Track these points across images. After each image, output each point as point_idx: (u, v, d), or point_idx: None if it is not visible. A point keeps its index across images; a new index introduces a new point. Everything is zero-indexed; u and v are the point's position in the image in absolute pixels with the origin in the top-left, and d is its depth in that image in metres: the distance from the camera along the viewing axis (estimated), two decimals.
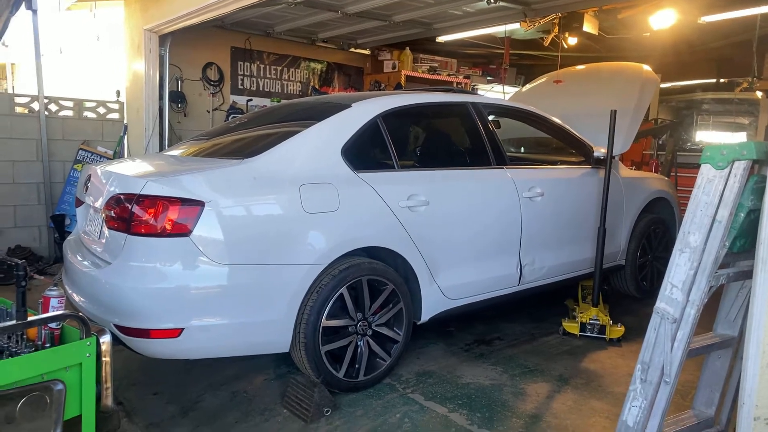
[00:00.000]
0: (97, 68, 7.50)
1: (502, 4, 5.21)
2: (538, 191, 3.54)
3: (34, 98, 5.37)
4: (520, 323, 3.99)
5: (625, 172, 4.38)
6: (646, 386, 1.87)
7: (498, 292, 3.46)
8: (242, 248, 2.50)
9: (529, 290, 3.65)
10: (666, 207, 4.68)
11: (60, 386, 1.73)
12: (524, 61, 8.90)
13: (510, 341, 3.67)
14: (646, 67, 4.71)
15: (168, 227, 2.39)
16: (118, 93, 5.91)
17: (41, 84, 5.35)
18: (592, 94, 4.74)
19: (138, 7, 5.48)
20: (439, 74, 7.55)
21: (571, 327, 3.74)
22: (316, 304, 2.66)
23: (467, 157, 3.68)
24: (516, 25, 6.18)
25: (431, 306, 3.14)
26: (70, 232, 3.42)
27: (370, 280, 2.84)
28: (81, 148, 5.59)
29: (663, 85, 8.24)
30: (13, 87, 9.93)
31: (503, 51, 7.90)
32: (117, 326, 2.43)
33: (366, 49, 7.60)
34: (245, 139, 3.30)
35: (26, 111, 5.37)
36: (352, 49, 7.53)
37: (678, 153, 7.31)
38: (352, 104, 3.07)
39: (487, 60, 8.76)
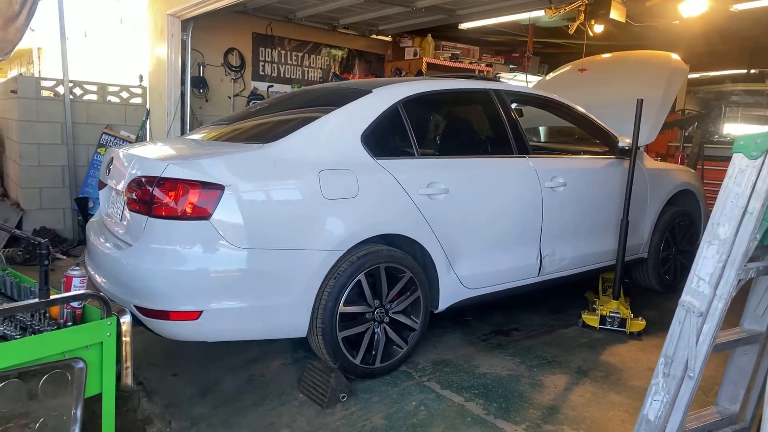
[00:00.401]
0: (120, 52, 7.55)
1: None
2: (560, 181, 3.49)
3: (59, 82, 5.44)
4: (538, 314, 3.95)
5: (650, 163, 4.28)
6: (668, 380, 1.83)
7: (517, 283, 3.43)
8: (261, 232, 2.50)
9: (548, 281, 3.60)
10: (692, 200, 4.58)
11: (81, 364, 1.75)
12: (548, 50, 8.74)
13: (528, 332, 3.64)
14: (675, 56, 4.59)
15: (188, 210, 2.40)
16: (141, 77, 5.95)
17: (66, 68, 5.41)
18: (618, 83, 4.63)
19: None
20: (461, 62, 7.46)
21: (591, 319, 3.69)
22: (334, 290, 2.66)
23: (488, 145, 3.63)
24: (540, 12, 6.07)
25: (449, 295, 3.12)
26: (93, 215, 3.46)
27: (388, 267, 2.83)
28: (104, 132, 5.66)
29: (691, 76, 8.05)
30: (39, 71, 10.08)
31: (527, 39, 7.76)
32: (137, 307, 2.45)
33: (387, 35, 7.54)
34: (265, 123, 3.30)
35: (52, 95, 5.45)
36: (374, 36, 7.47)
37: (705, 145, 7.14)
38: (373, 90, 3.04)
39: (510, 48, 8.63)
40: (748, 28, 7.29)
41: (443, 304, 3.12)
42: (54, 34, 5.73)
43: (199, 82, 6.11)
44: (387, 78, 6.44)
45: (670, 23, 6.86)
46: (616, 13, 6.06)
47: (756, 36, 7.60)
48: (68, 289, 1.89)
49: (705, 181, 5.24)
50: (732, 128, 8.24)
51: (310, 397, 2.70)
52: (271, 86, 6.67)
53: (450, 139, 3.74)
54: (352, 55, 7.40)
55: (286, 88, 6.63)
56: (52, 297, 1.75)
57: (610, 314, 3.64)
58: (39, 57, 10.23)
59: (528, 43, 7.76)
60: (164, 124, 5.67)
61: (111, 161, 3.04)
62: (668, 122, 5.69)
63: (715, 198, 1.80)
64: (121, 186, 2.72)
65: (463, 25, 6.98)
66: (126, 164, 2.78)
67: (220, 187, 2.42)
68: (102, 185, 3.23)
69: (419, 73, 6.88)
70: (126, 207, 2.64)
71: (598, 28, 6.72)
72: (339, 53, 7.27)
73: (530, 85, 6.82)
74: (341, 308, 2.69)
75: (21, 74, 9.08)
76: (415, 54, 7.17)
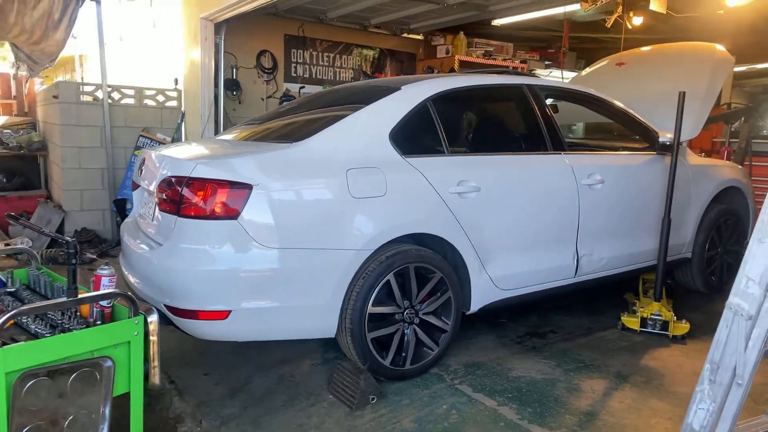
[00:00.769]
0: (155, 55, 7.73)
1: None
2: (597, 178, 3.36)
3: (98, 87, 5.59)
4: (575, 316, 3.83)
5: (693, 159, 4.10)
6: (715, 388, 1.72)
7: (552, 284, 3.32)
8: (289, 232, 2.48)
9: (586, 282, 3.48)
10: (739, 197, 4.37)
11: (109, 363, 1.77)
12: (584, 45, 8.52)
13: (564, 335, 3.52)
14: (720, 47, 4.38)
15: (217, 210, 2.40)
16: (176, 81, 6.07)
17: (105, 73, 5.56)
18: (658, 76, 4.45)
19: None
20: (495, 59, 7.35)
21: (631, 322, 3.55)
22: (363, 290, 2.62)
23: (522, 142, 3.53)
24: (576, 6, 5.90)
25: (481, 296, 3.04)
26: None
27: (418, 267, 2.77)
28: (141, 135, 5.79)
29: (737, 68, 7.70)
30: (82, 77, 10.42)
31: (562, 34, 7.58)
32: (167, 306, 2.47)
33: (419, 34, 7.48)
34: (294, 123, 3.29)
35: (91, 99, 5.61)
36: (405, 35, 7.43)
37: (753, 140, 6.81)
38: (401, 87, 2.99)
39: (545, 44, 8.45)
40: None
41: (475, 306, 3.05)
42: (94, 40, 5.89)
43: (232, 85, 6.19)
44: (417, 75, 6.39)
45: (714, 13, 6.58)
46: (656, 4, 5.85)
47: None
48: (97, 288, 1.92)
49: (753, 178, 4.99)
50: None
51: (339, 398, 2.67)
52: (303, 87, 6.71)
53: (481, 136, 3.66)
54: (384, 54, 7.38)
55: (318, 89, 6.65)
56: (80, 296, 1.77)
57: (652, 316, 3.50)
58: (81, 63, 10.57)
59: (563, 38, 7.59)
60: (199, 126, 5.76)
61: (143, 162, 3.08)
62: (713, 117, 5.45)
63: (764, 195, 1.68)
64: (153, 186, 2.75)
65: (496, 22, 6.86)
66: (157, 165, 2.81)
67: (249, 187, 2.42)
68: (135, 186, 3.28)
69: (451, 71, 6.80)
70: (157, 207, 2.67)
71: (637, 21, 6.50)
72: (370, 53, 7.26)
73: (566, 81, 6.66)
74: (370, 308, 2.65)
75: (63, 80, 9.40)
76: (447, 52, 7.09)
